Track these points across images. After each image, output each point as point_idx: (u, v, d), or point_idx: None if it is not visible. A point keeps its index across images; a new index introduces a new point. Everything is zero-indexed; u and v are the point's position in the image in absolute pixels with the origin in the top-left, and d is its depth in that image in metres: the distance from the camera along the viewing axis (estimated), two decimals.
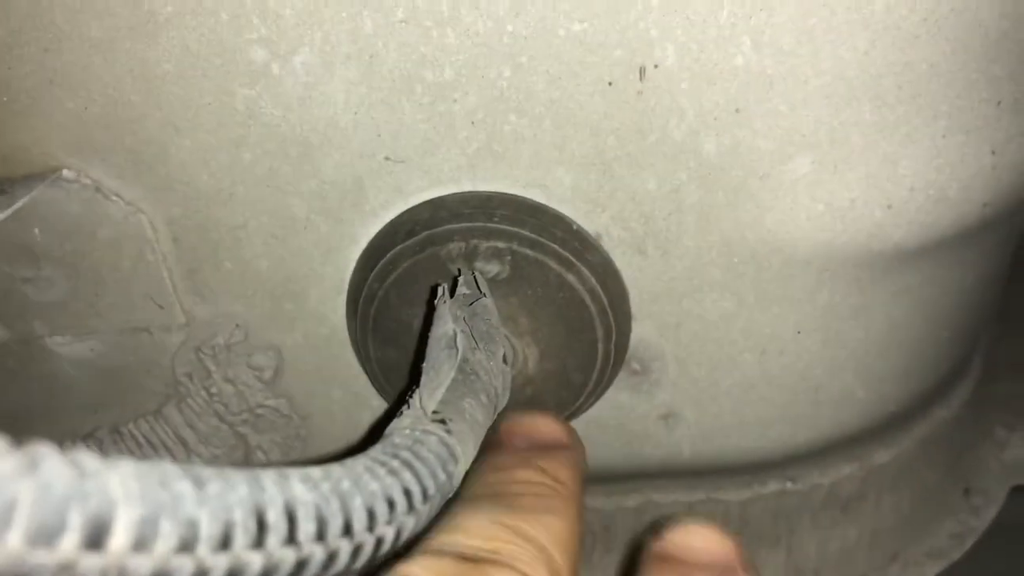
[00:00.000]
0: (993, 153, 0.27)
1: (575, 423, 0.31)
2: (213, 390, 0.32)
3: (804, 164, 0.27)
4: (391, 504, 0.18)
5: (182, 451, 0.34)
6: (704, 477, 0.33)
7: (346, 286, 0.30)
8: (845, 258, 0.28)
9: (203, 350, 0.31)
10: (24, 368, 0.32)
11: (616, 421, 0.31)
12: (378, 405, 0.32)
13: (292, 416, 0.33)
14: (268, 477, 0.16)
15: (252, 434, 0.33)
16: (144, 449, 0.34)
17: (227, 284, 0.30)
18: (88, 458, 0.14)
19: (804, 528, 0.33)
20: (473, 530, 0.22)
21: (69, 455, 0.14)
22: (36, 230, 0.29)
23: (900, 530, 0.35)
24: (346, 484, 0.17)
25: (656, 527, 0.24)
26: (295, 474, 0.17)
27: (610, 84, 0.26)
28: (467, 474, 0.24)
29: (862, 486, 0.34)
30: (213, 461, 0.34)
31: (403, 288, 0.28)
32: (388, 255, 0.28)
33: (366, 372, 0.31)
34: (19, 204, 0.27)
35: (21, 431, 0.32)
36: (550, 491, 0.24)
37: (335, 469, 0.18)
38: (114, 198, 0.29)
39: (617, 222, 0.28)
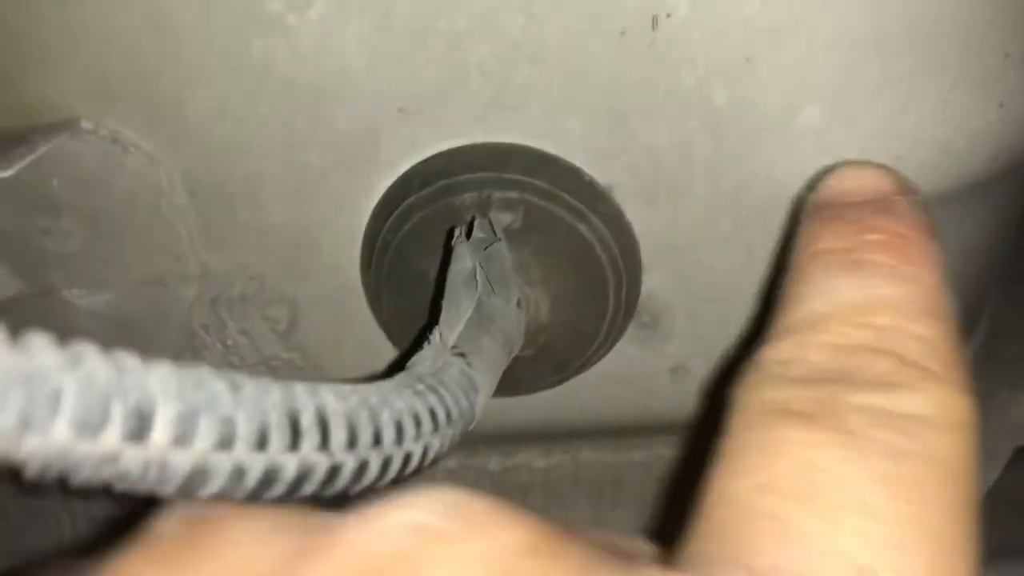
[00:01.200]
0: (1001, 106, 0.28)
1: (584, 376, 0.31)
2: (228, 342, 0.32)
3: (813, 116, 0.27)
4: (418, 421, 0.18)
5: None
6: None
7: (361, 237, 0.30)
8: None
9: (218, 302, 0.32)
10: (42, 321, 0.32)
11: (625, 374, 0.32)
12: (390, 358, 0.33)
13: (306, 369, 0.33)
14: (300, 386, 0.17)
15: None
16: None
17: (242, 236, 0.30)
18: (128, 356, 0.14)
19: None
20: (835, 310, 0.20)
21: (110, 353, 0.14)
22: (54, 181, 0.29)
23: None
24: (375, 399, 0.18)
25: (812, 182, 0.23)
26: (326, 387, 0.17)
27: (622, 34, 0.26)
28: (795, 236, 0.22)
29: None
30: None
31: (417, 238, 0.28)
32: (402, 205, 0.28)
33: (380, 323, 0.31)
34: (38, 153, 0.27)
35: None
36: (901, 253, 0.21)
37: (363, 387, 0.18)
38: (131, 149, 0.29)
39: (628, 173, 0.28)
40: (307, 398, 0.16)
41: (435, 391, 0.19)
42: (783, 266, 0.22)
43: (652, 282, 0.30)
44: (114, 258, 0.31)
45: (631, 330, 0.31)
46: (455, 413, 0.20)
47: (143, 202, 0.30)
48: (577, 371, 0.30)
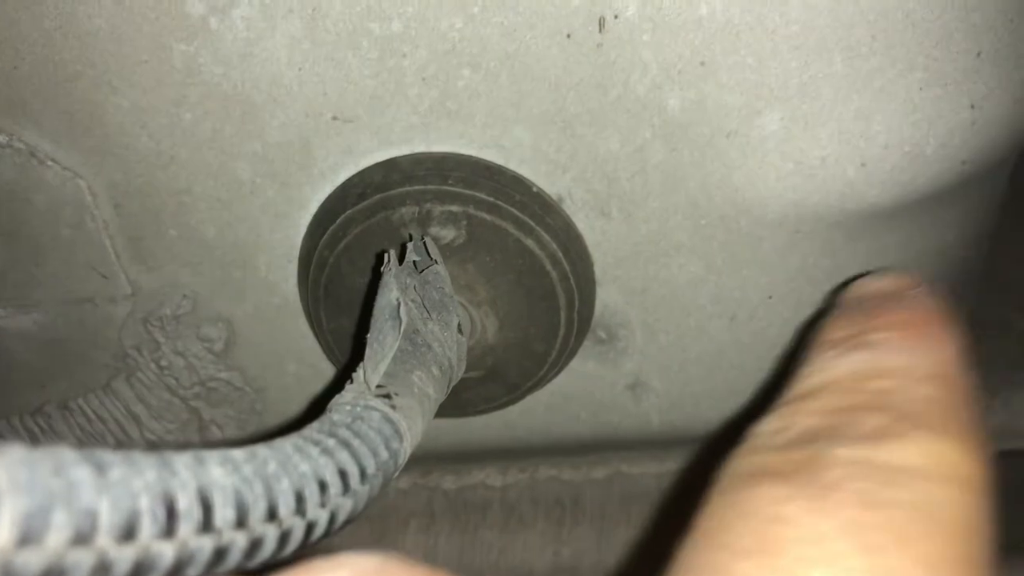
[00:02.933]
0: (972, 107, 0.26)
1: (539, 394, 0.30)
2: (163, 363, 0.31)
3: (773, 120, 0.25)
4: (323, 486, 0.17)
5: (134, 426, 0.33)
6: (674, 447, 0.32)
7: (297, 253, 0.28)
8: (817, 219, 0.27)
9: (151, 321, 0.30)
10: None
11: (582, 391, 0.30)
12: (334, 375, 0.31)
13: (246, 389, 0.32)
14: (181, 460, 0.15)
15: (206, 408, 0.32)
16: (95, 424, 0.33)
17: (173, 252, 0.29)
18: None
19: None
20: (837, 381, 0.19)
21: None
22: None
23: None
24: (272, 466, 0.16)
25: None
26: (213, 457, 0.15)
27: (568, 36, 0.24)
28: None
29: None
30: (167, 436, 0.33)
31: (355, 255, 0.27)
32: (338, 220, 0.26)
33: (320, 343, 0.29)
34: None
35: None
36: (912, 337, 0.20)
37: (261, 450, 0.17)
38: (49, 163, 0.27)
39: (579, 183, 0.27)
40: (187, 474, 0.14)
41: (347, 446, 0.18)
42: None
43: (607, 297, 0.29)
44: (38, 277, 0.29)
45: (586, 346, 0.29)
46: (371, 468, 0.18)
47: (65, 218, 0.28)
48: (530, 390, 0.29)
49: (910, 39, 0.25)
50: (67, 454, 0.14)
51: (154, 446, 0.33)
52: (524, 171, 0.26)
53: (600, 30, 0.24)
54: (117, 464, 0.14)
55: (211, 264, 0.29)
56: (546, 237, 0.26)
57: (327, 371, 0.31)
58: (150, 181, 0.27)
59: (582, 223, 0.27)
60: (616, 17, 0.24)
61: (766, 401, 0.20)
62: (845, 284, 0.23)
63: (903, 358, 0.18)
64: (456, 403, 0.27)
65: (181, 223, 0.28)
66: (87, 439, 0.34)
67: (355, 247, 0.26)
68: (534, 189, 0.27)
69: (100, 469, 0.14)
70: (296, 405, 0.32)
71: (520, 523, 0.34)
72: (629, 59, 0.24)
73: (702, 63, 0.24)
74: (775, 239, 0.27)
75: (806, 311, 0.29)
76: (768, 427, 0.18)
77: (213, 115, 0.26)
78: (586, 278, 0.27)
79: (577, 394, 0.30)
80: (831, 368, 0.19)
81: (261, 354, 0.31)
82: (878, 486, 0.15)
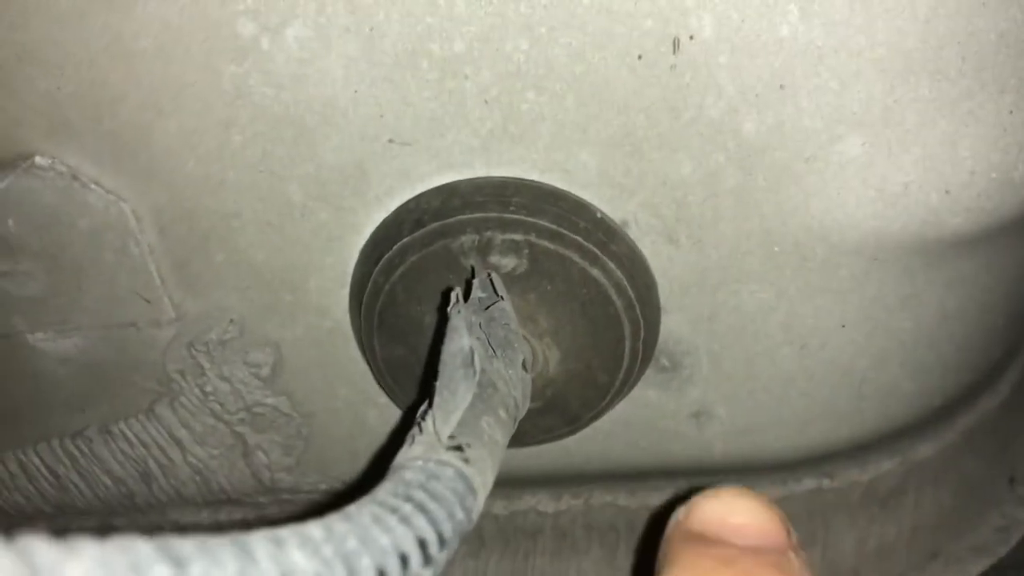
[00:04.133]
0: None
1: (600, 422, 0.28)
2: (208, 388, 0.30)
3: (854, 145, 0.24)
4: (404, 560, 0.16)
5: (177, 451, 0.32)
6: (735, 476, 0.31)
7: (349, 278, 0.27)
8: (896, 246, 0.26)
9: (195, 346, 0.29)
10: (7, 365, 0.30)
11: (644, 419, 0.29)
12: (384, 403, 0.30)
13: (293, 415, 0.31)
14: (260, 545, 0.14)
15: (251, 433, 0.31)
16: (136, 449, 0.32)
17: (220, 276, 0.28)
18: (44, 547, 0.12)
19: (841, 526, 0.31)
20: None
21: (20, 543, 0.12)
22: (10, 222, 0.27)
23: (942, 526, 0.33)
24: (352, 543, 0.15)
25: (681, 499, 0.19)
26: (292, 538, 0.14)
27: (640, 57, 0.23)
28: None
29: (902, 481, 0.32)
30: (210, 461, 0.32)
31: (411, 283, 0.25)
32: (395, 247, 0.25)
33: (371, 370, 0.28)
34: None
35: (7, 431, 0.30)
36: None
37: (338, 524, 0.15)
38: (93, 186, 0.26)
39: (646, 209, 0.25)
40: (269, 564, 0.13)
41: (424, 511, 0.17)
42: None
43: (672, 324, 0.27)
44: (80, 301, 0.28)
45: (649, 374, 0.28)
46: (448, 532, 0.17)
47: (109, 242, 0.27)
48: (590, 421, 0.28)
49: (1003, 60, 0.23)
50: (143, 549, 0.13)
51: (199, 473, 0.33)
52: (588, 196, 0.25)
53: (674, 52, 0.23)
54: (196, 558, 0.13)
55: (260, 288, 0.28)
56: (611, 265, 0.25)
57: (376, 397, 0.30)
58: (197, 205, 0.26)
59: (648, 249, 0.26)
60: (691, 38, 0.23)
61: None
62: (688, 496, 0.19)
63: None
64: (514, 437, 0.26)
65: (229, 247, 0.27)
66: (128, 463, 0.33)
67: (412, 275, 0.25)
68: (598, 215, 0.25)
69: (179, 565, 0.13)
70: (344, 431, 0.31)
71: (573, 550, 0.33)
72: (704, 81, 0.23)
73: (781, 86, 0.23)
74: (851, 267, 0.26)
75: (880, 339, 0.28)
76: None
77: (264, 137, 0.25)
78: (651, 306, 0.26)
79: (637, 422, 0.29)
80: None
81: (310, 379, 0.30)
82: None
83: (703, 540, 0.18)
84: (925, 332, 0.28)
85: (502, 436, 0.21)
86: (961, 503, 0.33)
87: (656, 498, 0.32)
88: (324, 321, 0.28)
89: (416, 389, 0.27)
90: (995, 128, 0.24)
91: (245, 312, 0.28)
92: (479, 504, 0.19)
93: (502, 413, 0.22)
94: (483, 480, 0.19)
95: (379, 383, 0.28)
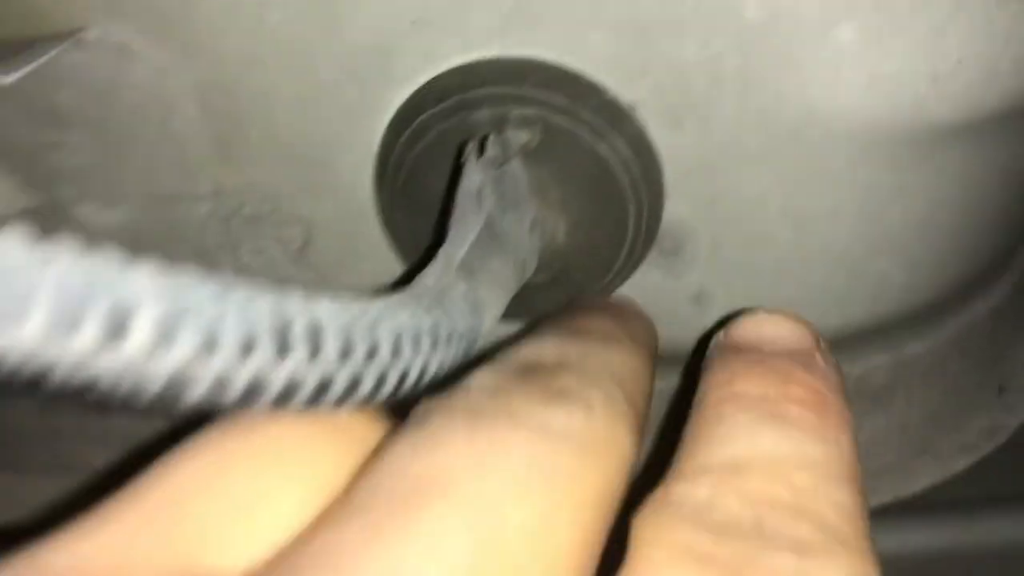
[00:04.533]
0: None
1: None
2: (243, 261, 0.32)
3: (848, 31, 0.25)
4: (417, 339, 0.18)
5: None
6: None
7: (375, 155, 0.29)
8: (887, 134, 0.27)
9: (232, 220, 0.31)
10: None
11: (646, 302, 0.31)
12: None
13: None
14: (294, 293, 0.16)
15: None
16: None
17: (255, 152, 0.30)
18: (109, 253, 0.14)
19: None
20: (538, 347, 0.20)
21: (89, 248, 0.14)
22: (60, 92, 0.29)
23: (930, 423, 0.34)
24: (374, 313, 0.17)
25: (724, 322, 0.23)
26: (323, 294, 0.16)
27: None
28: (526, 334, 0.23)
29: (893, 377, 0.33)
30: None
31: (431, 156, 0.27)
32: (416, 121, 0.27)
33: (393, 244, 0.30)
34: (41, 62, 0.26)
35: None
36: (623, 334, 0.22)
37: (362, 299, 0.17)
38: (140, 61, 0.28)
39: (653, 92, 0.27)
40: (300, 306, 0.15)
41: (437, 310, 0.19)
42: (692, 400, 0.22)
43: (675, 208, 0.29)
44: (124, 173, 0.30)
45: (652, 256, 0.30)
46: (456, 334, 0.19)
47: (154, 116, 0.29)
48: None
49: None
50: (193, 271, 0.15)
51: None
52: (600, 77, 0.27)
53: None
54: (238, 288, 0.15)
55: (292, 165, 0.30)
56: (619, 143, 0.27)
57: (398, 271, 0.31)
58: (236, 81, 0.28)
59: (654, 131, 0.28)
60: None
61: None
62: (738, 314, 0.24)
63: (820, 449, 0.19)
64: (522, 308, 0.27)
65: (264, 123, 0.29)
66: None
67: (432, 148, 0.27)
68: (608, 96, 0.27)
69: (223, 289, 0.15)
70: None
71: None
72: None
73: None
74: (845, 153, 0.27)
75: (871, 227, 0.29)
76: (697, 496, 0.18)
77: (298, 16, 0.27)
78: (655, 186, 0.28)
79: (641, 304, 0.31)
80: (750, 439, 0.19)
81: (336, 254, 0.32)
82: None
83: (738, 349, 0.21)
84: (915, 223, 0.29)
85: (509, 280, 0.23)
86: (950, 404, 0.35)
87: (659, 384, 0.34)
88: (351, 198, 0.30)
89: None
90: (982, 19, 0.25)
91: (278, 188, 0.30)
92: (484, 327, 0.21)
93: (510, 261, 0.24)
94: (490, 304, 0.21)
95: (400, 256, 0.30)
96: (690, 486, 0.18)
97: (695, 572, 0.16)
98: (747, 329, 0.23)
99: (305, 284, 0.33)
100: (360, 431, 0.18)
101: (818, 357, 0.22)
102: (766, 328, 0.23)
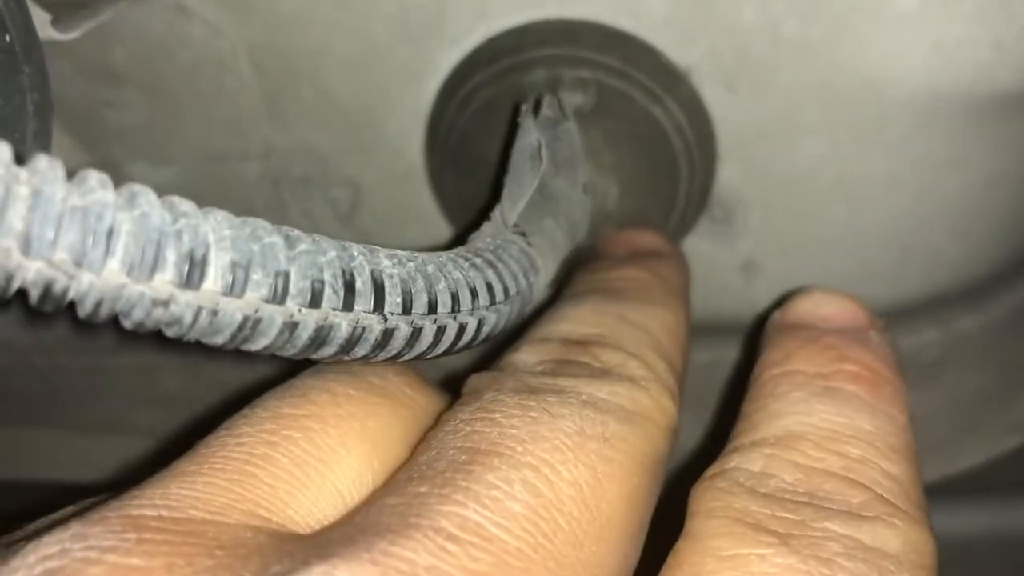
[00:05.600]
0: None
1: None
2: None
3: None
4: (474, 293, 0.18)
5: None
6: None
7: (425, 118, 0.29)
8: (947, 102, 0.27)
9: (281, 182, 0.31)
10: None
11: (694, 270, 0.30)
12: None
13: None
14: (356, 247, 0.16)
15: None
16: None
17: (306, 113, 0.30)
18: (182, 201, 0.14)
19: None
20: (577, 318, 0.21)
21: (164, 197, 0.14)
22: (117, 50, 0.29)
23: (980, 401, 0.34)
24: (431, 267, 0.17)
25: (781, 302, 0.24)
26: (383, 250, 0.16)
27: None
28: (566, 281, 0.24)
29: (944, 353, 0.33)
30: None
31: (483, 119, 0.27)
32: (469, 83, 0.27)
33: (441, 207, 0.30)
34: (101, 19, 0.27)
35: None
36: (656, 285, 0.23)
37: (421, 254, 0.18)
38: (196, 19, 0.28)
39: (709, 56, 0.27)
40: (363, 259, 0.16)
41: (493, 266, 0.19)
42: (748, 376, 0.22)
43: (727, 175, 0.29)
44: (177, 133, 0.31)
45: (702, 224, 0.30)
46: (512, 290, 0.19)
47: (207, 75, 0.29)
48: None
49: None
50: (261, 223, 0.15)
51: None
52: (655, 40, 0.27)
53: None
54: (304, 239, 0.15)
55: (342, 126, 0.30)
56: (673, 107, 0.27)
57: (445, 235, 0.32)
58: (289, 40, 0.28)
59: (709, 96, 0.27)
60: None
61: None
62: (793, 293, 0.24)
63: (873, 422, 0.19)
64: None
65: (316, 84, 0.29)
66: None
67: (484, 111, 0.27)
68: (663, 59, 0.27)
69: (290, 241, 0.15)
70: None
71: None
72: None
73: None
74: (902, 123, 0.27)
75: (926, 199, 0.29)
76: (752, 467, 0.18)
77: None
78: (708, 152, 0.28)
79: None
80: (806, 414, 0.19)
81: (384, 217, 0.32)
82: (869, 570, 0.16)
83: (794, 328, 0.22)
84: (971, 196, 0.29)
85: (563, 241, 0.23)
86: (1000, 382, 0.34)
87: (702, 356, 0.34)
88: (400, 161, 0.30)
89: None
90: None
91: (328, 149, 0.30)
92: (540, 285, 0.21)
93: (563, 222, 0.23)
94: (544, 263, 0.21)
95: (448, 219, 0.31)
96: (745, 458, 0.19)
97: (749, 537, 0.16)
98: (803, 308, 0.23)
99: None
100: (419, 403, 0.19)
101: (872, 335, 0.22)
102: (821, 307, 0.23)
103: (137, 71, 0.29)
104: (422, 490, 0.15)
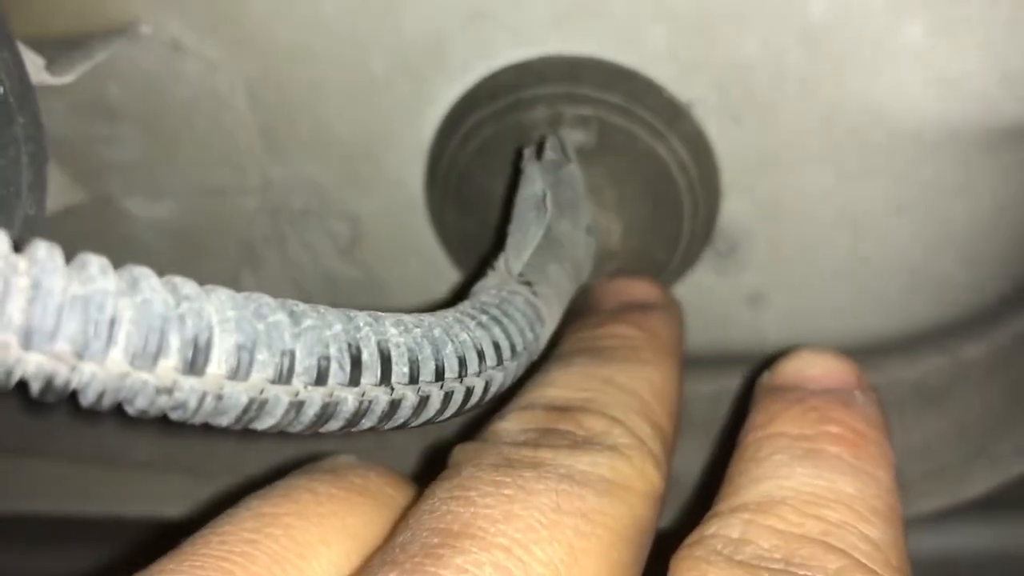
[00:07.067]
0: None
1: None
2: (291, 255, 0.32)
3: (917, 29, 0.25)
4: (481, 355, 0.17)
5: None
6: None
7: (426, 152, 0.29)
8: (954, 133, 0.26)
9: (280, 214, 0.31)
10: (101, 231, 0.32)
11: (698, 303, 0.30)
12: (455, 278, 0.32)
13: (368, 286, 0.32)
14: (361, 317, 0.16)
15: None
16: None
17: (304, 146, 0.29)
18: (186, 283, 0.14)
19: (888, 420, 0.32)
20: (563, 382, 0.21)
21: (167, 279, 0.14)
22: (112, 87, 0.28)
23: (988, 426, 0.34)
24: (437, 332, 0.17)
25: (770, 362, 0.23)
26: (388, 317, 0.16)
27: None
28: (556, 338, 0.23)
29: (951, 379, 0.33)
30: None
31: (484, 156, 0.27)
32: (469, 120, 0.27)
33: (443, 243, 0.30)
34: (97, 59, 0.26)
35: None
36: (645, 343, 0.23)
37: (426, 317, 0.17)
38: (192, 55, 0.28)
39: (713, 89, 0.26)
40: (369, 330, 0.15)
41: (499, 323, 0.18)
42: (733, 442, 0.22)
43: (731, 207, 0.28)
44: (173, 167, 0.30)
45: (706, 257, 0.29)
46: (520, 346, 0.19)
47: (203, 110, 0.29)
48: None
49: None
50: (265, 299, 0.14)
51: None
52: (658, 74, 0.26)
53: None
54: (309, 314, 0.15)
55: (341, 159, 0.29)
56: (676, 143, 0.26)
57: (446, 269, 0.31)
58: (287, 74, 0.28)
59: (712, 130, 0.27)
60: None
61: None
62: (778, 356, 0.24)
63: (854, 484, 0.19)
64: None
65: (314, 117, 0.29)
66: None
67: (486, 148, 0.27)
68: (666, 94, 0.26)
69: (295, 317, 0.14)
70: (415, 302, 0.33)
71: None
72: None
73: None
74: (909, 151, 0.27)
75: (934, 226, 0.28)
76: (730, 534, 0.18)
77: (351, 7, 0.26)
78: (712, 187, 0.27)
79: (693, 306, 0.30)
80: (786, 478, 0.19)
81: (384, 250, 0.31)
82: None
83: (780, 390, 0.22)
84: (979, 222, 0.29)
85: (568, 286, 0.23)
86: (1008, 407, 0.34)
87: (707, 387, 0.33)
88: (400, 194, 0.30)
89: None
90: None
91: (327, 182, 0.30)
92: (545, 334, 0.21)
93: (567, 266, 0.23)
94: (549, 312, 0.21)
95: (449, 255, 0.30)
96: (724, 524, 0.19)
97: None
98: (789, 369, 0.23)
99: (353, 281, 0.32)
100: (399, 502, 0.19)
101: (858, 395, 0.22)
102: (808, 368, 0.23)
103: (132, 107, 0.29)
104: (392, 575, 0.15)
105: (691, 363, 0.32)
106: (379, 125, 0.29)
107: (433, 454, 0.20)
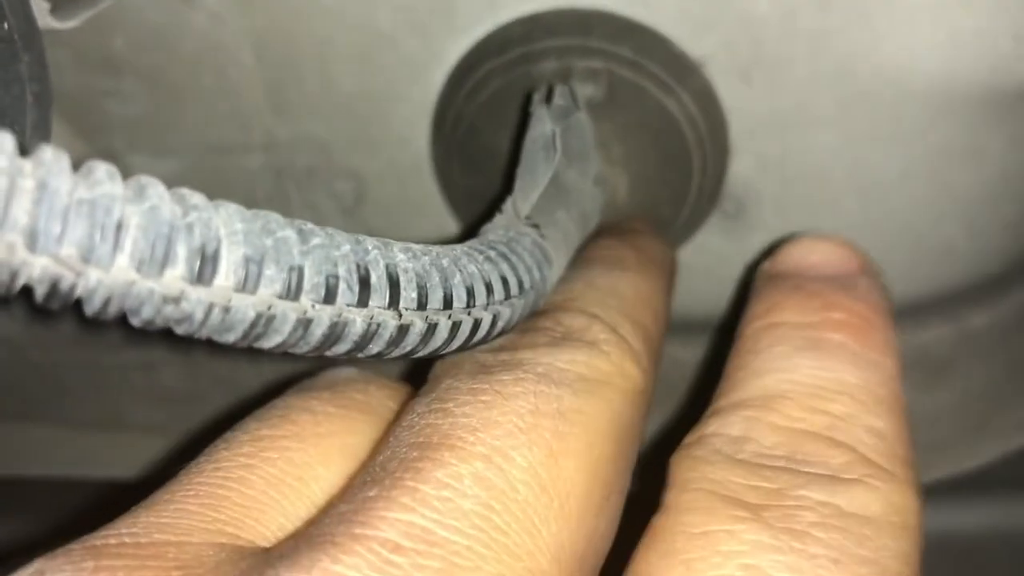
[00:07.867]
0: None
1: None
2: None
3: None
4: (489, 288, 0.17)
5: None
6: None
7: (432, 108, 0.29)
8: (963, 94, 0.26)
9: (284, 174, 0.31)
10: None
11: (704, 266, 0.30)
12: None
13: None
14: (370, 241, 0.15)
15: None
16: None
17: (310, 104, 0.29)
18: (192, 193, 0.13)
19: None
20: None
21: (174, 189, 0.14)
22: (118, 39, 0.28)
23: (990, 399, 0.34)
24: (446, 262, 0.17)
25: (772, 249, 0.23)
26: (397, 244, 0.16)
27: None
28: None
29: (954, 349, 0.33)
30: None
31: (492, 110, 0.27)
32: (476, 74, 0.27)
33: (448, 200, 0.30)
34: (101, 7, 0.26)
35: None
36: (630, 254, 0.22)
37: (434, 247, 0.17)
38: (198, 8, 0.28)
39: (723, 46, 0.26)
40: (378, 253, 0.15)
41: (507, 259, 0.18)
42: (734, 332, 0.21)
43: (740, 167, 0.28)
44: (178, 124, 0.30)
45: (713, 219, 0.29)
46: (527, 284, 0.18)
47: (209, 65, 0.29)
48: None
49: None
50: (273, 216, 0.14)
51: None
52: (668, 30, 0.26)
53: None
54: (317, 233, 0.14)
55: (346, 117, 0.29)
56: (685, 99, 0.26)
57: (451, 229, 0.31)
58: (293, 30, 0.28)
59: (722, 88, 0.27)
60: None
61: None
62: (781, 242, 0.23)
63: (858, 373, 0.18)
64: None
65: (320, 74, 0.28)
66: None
67: (493, 102, 0.27)
68: (676, 49, 0.26)
69: (303, 235, 0.14)
70: None
71: None
72: None
73: None
74: (918, 114, 0.27)
75: (940, 192, 0.28)
76: (730, 432, 0.18)
77: None
78: (721, 145, 0.27)
79: (699, 269, 0.30)
80: (788, 371, 0.19)
81: (389, 210, 0.31)
82: (844, 538, 0.15)
83: (780, 278, 0.21)
84: (986, 189, 0.28)
85: (573, 233, 0.23)
86: (1010, 380, 0.34)
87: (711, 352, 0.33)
88: (406, 153, 0.30)
89: None
90: None
91: (332, 141, 0.30)
92: (553, 276, 0.20)
93: (575, 214, 0.23)
94: (556, 255, 0.21)
95: (455, 213, 0.30)
96: (724, 422, 0.18)
97: (720, 512, 0.16)
98: (791, 256, 0.22)
99: None
100: (390, 406, 0.19)
101: (862, 279, 0.21)
102: (810, 254, 0.22)
103: (137, 61, 0.29)
104: (371, 494, 0.14)
105: (692, 328, 0.32)
106: (385, 83, 0.28)
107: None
